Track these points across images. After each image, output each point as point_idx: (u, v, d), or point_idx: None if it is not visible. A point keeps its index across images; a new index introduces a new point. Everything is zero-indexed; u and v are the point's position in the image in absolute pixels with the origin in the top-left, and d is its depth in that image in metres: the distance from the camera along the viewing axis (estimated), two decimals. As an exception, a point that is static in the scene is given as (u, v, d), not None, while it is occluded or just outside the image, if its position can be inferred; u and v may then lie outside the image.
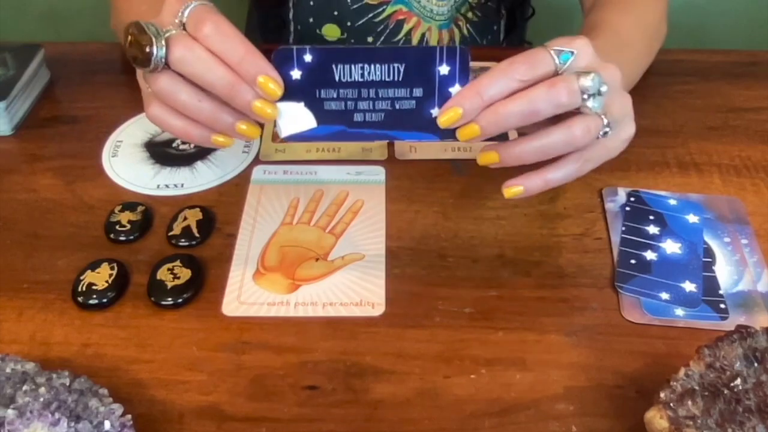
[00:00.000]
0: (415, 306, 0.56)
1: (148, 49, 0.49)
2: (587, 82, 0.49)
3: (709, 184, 0.67)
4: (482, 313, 0.56)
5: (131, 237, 0.61)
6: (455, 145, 0.70)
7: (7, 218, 0.64)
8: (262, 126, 0.53)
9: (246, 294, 0.57)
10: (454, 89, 0.50)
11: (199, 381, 0.51)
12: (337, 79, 0.50)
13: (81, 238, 0.62)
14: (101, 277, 0.57)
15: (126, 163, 0.70)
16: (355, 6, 0.86)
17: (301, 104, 0.51)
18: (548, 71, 0.50)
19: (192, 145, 0.71)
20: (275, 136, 0.72)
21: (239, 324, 0.55)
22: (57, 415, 0.43)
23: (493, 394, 0.50)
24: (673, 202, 0.65)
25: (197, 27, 0.50)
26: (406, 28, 0.88)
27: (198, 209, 0.63)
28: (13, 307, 0.56)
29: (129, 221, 0.62)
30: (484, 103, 0.50)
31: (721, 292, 0.57)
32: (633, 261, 0.59)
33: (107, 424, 0.44)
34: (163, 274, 0.57)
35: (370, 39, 0.88)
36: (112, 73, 0.81)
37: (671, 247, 0.60)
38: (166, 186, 0.67)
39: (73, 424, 0.43)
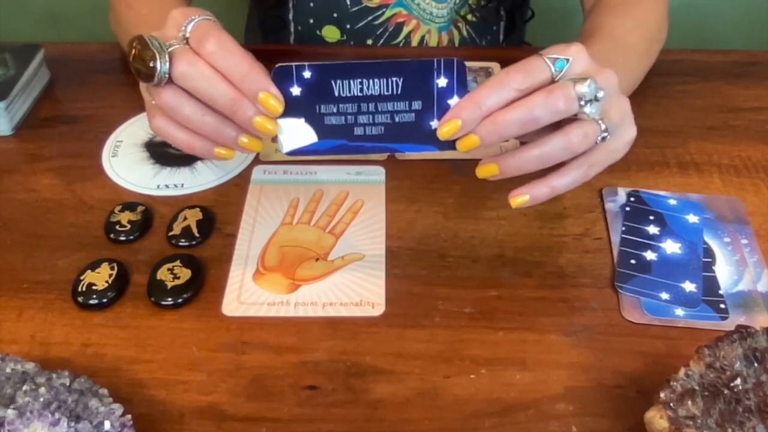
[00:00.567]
0: (415, 306, 0.56)
1: (152, 64, 0.50)
2: (584, 88, 0.49)
3: (709, 184, 0.67)
4: (482, 313, 0.56)
5: (131, 237, 0.61)
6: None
7: (7, 218, 0.64)
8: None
9: (246, 294, 0.57)
10: (453, 101, 0.51)
11: (199, 381, 0.51)
12: (336, 94, 0.51)
13: (81, 238, 0.62)
14: (101, 277, 0.57)
15: (126, 163, 0.70)
16: (354, 9, 0.86)
17: (302, 120, 0.52)
18: (545, 79, 0.50)
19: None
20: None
21: (239, 324, 0.55)
22: (57, 415, 0.43)
23: (493, 394, 0.50)
24: (673, 202, 0.65)
25: (200, 43, 0.51)
26: (405, 30, 0.88)
27: (198, 209, 0.63)
28: (13, 307, 0.56)
29: (129, 221, 0.62)
30: (482, 113, 0.50)
31: (721, 292, 0.57)
32: (633, 261, 0.59)
33: (107, 424, 0.44)
34: (163, 274, 0.57)
35: (369, 41, 0.88)
36: (112, 73, 0.81)
37: (671, 247, 0.60)
38: (166, 186, 0.67)
39: (73, 424, 0.43)
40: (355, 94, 0.52)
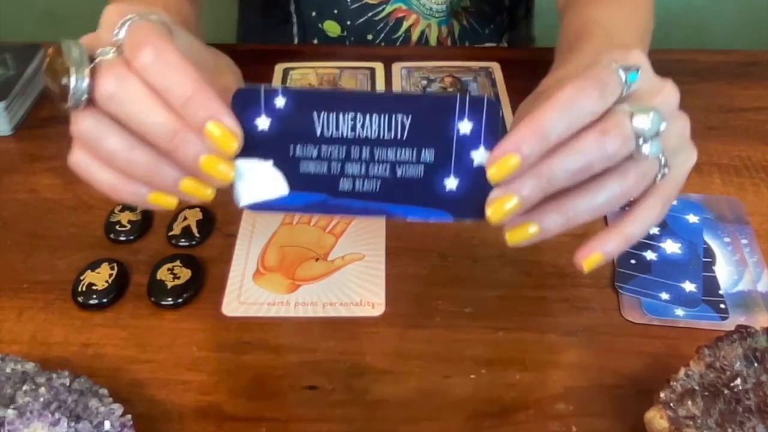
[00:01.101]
0: (415, 306, 0.56)
1: (64, 81, 0.38)
2: (645, 123, 0.39)
3: (709, 184, 0.67)
4: (482, 313, 0.56)
5: (131, 237, 0.61)
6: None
7: (7, 218, 0.64)
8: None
9: (246, 294, 0.57)
10: (479, 154, 0.39)
11: (199, 381, 0.51)
12: (318, 132, 0.39)
13: (81, 238, 0.62)
14: (101, 277, 0.57)
15: (126, 163, 0.70)
16: (354, 6, 0.87)
17: (269, 163, 0.40)
18: (615, 99, 0.40)
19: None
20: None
21: (239, 324, 0.55)
22: (57, 415, 0.43)
23: (493, 394, 0.50)
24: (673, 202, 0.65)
25: (134, 53, 0.39)
26: (405, 25, 0.88)
27: (198, 209, 0.63)
28: (13, 307, 0.56)
29: (129, 221, 0.62)
30: (548, 146, 0.38)
31: (721, 292, 0.57)
32: (633, 261, 0.59)
33: (107, 424, 0.44)
34: (163, 274, 0.57)
35: (369, 37, 0.89)
36: (112, 73, 0.81)
37: (671, 247, 0.60)
38: (166, 186, 0.67)
39: (73, 424, 0.43)
40: (345, 134, 0.39)
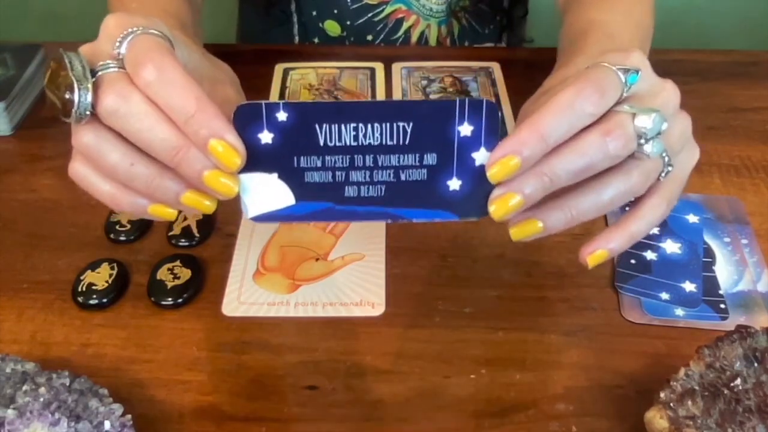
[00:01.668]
0: (415, 306, 0.56)
1: (68, 95, 0.38)
2: (646, 123, 0.40)
3: (709, 184, 0.67)
4: (482, 313, 0.56)
5: (131, 237, 0.61)
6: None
7: (7, 218, 0.64)
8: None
9: (246, 294, 0.57)
10: (479, 154, 0.41)
11: (199, 381, 0.51)
12: (321, 143, 0.40)
13: (81, 238, 0.62)
14: (101, 277, 0.57)
15: (126, 163, 0.70)
16: (354, 6, 0.87)
17: (274, 176, 0.41)
18: (615, 101, 0.41)
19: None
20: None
21: (239, 324, 0.55)
22: (57, 415, 0.43)
23: (493, 394, 0.50)
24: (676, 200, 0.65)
25: (136, 69, 0.39)
26: (405, 26, 0.88)
27: (198, 209, 0.63)
28: (13, 307, 0.56)
29: (129, 221, 0.62)
30: (548, 148, 0.39)
31: (721, 292, 0.57)
32: (633, 261, 0.59)
33: (107, 424, 0.44)
34: (163, 274, 0.57)
35: (369, 37, 0.89)
36: (112, 73, 0.81)
37: (671, 247, 0.60)
38: (166, 186, 0.67)
39: (73, 424, 0.43)
40: (348, 143, 0.40)
